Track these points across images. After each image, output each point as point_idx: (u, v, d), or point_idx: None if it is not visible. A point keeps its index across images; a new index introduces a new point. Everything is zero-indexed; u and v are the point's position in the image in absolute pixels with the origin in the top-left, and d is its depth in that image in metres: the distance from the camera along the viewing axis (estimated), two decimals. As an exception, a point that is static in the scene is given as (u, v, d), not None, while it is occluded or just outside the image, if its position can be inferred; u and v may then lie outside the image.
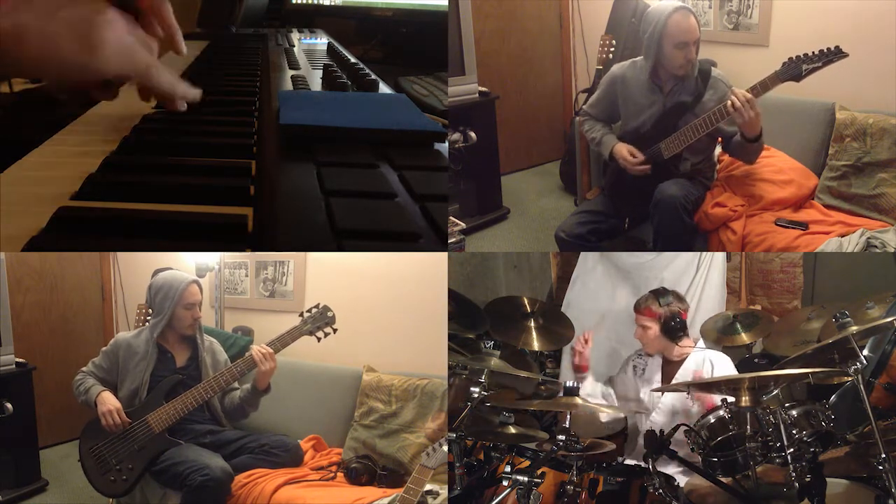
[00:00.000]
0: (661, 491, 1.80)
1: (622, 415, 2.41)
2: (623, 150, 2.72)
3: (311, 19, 3.55)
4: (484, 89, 3.72)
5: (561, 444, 1.97)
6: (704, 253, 2.81)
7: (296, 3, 3.51)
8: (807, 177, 2.79)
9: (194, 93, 1.37)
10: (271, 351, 2.54)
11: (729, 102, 2.40)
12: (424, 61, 2.82)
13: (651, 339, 2.37)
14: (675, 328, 2.31)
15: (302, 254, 3.33)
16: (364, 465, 2.57)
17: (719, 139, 2.84)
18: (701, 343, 2.45)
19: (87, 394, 2.57)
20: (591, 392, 2.43)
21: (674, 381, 2.32)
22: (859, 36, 2.73)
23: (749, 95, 2.38)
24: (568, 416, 2.02)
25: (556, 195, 4.27)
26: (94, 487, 2.51)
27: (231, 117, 1.38)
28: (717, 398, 2.08)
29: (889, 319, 1.89)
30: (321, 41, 2.78)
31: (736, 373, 2.34)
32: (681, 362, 2.36)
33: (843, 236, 2.44)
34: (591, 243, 2.87)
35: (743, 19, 3.30)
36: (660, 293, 2.35)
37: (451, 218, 2.62)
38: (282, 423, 2.87)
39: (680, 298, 2.38)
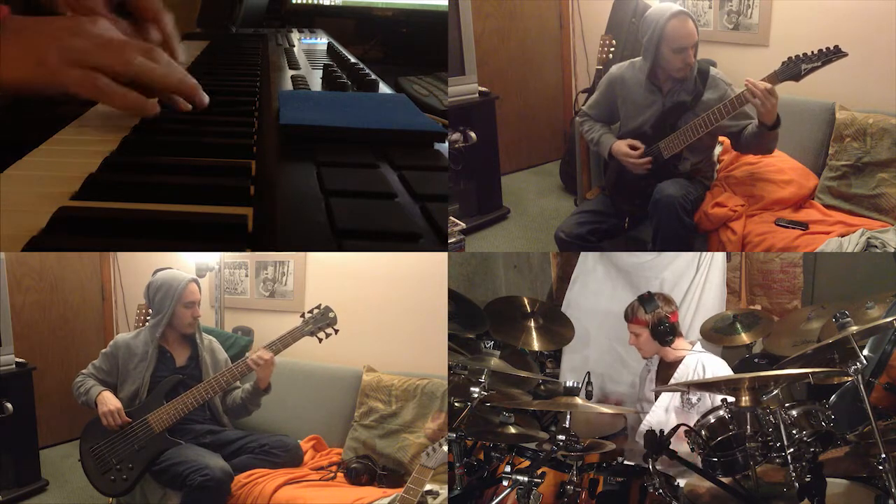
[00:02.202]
0: (661, 491, 1.80)
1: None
2: (622, 145, 2.71)
3: (311, 19, 3.55)
4: (484, 89, 3.72)
5: (561, 444, 1.97)
6: (704, 253, 2.81)
7: (296, 3, 3.51)
8: (807, 177, 2.79)
9: (152, 105, 1.31)
10: (268, 357, 2.53)
11: (747, 91, 2.37)
12: (424, 61, 2.82)
13: (644, 345, 2.39)
14: (663, 332, 2.33)
15: (302, 254, 3.33)
16: (364, 465, 2.57)
17: (720, 138, 2.84)
18: (698, 346, 2.45)
19: (88, 394, 2.58)
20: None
21: (669, 384, 2.33)
22: (859, 36, 2.73)
23: (769, 85, 2.35)
24: (568, 416, 2.02)
25: (556, 195, 4.27)
26: (94, 487, 2.51)
27: (231, 117, 1.38)
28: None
29: (889, 319, 1.89)
30: (321, 41, 2.78)
31: (732, 374, 2.34)
32: (676, 364, 2.37)
33: (843, 236, 2.44)
34: (591, 243, 2.87)
35: (743, 19, 3.30)
36: (645, 300, 2.36)
37: (451, 218, 2.62)
38: (282, 423, 2.87)
39: (668, 301, 2.38)
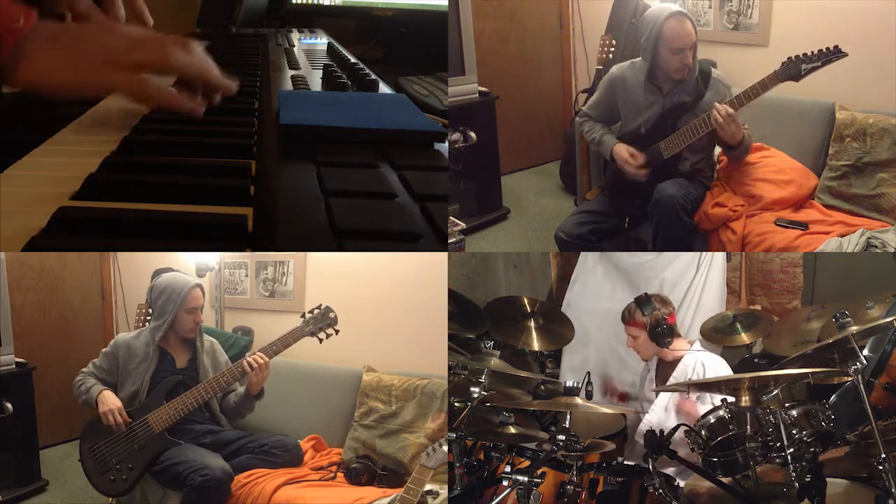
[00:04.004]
0: (661, 491, 1.80)
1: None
2: (623, 151, 2.71)
3: (311, 19, 3.55)
4: (484, 89, 3.72)
5: (561, 444, 1.97)
6: (704, 253, 2.81)
7: (296, 3, 3.50)
8: (807, 177, 2.79)
9: (200, 105, 1.32)
10: (264, 361, 2.53)
11: (712, 116, 2.44)
12: (424, 61, 2.81)
13: (642, 347, 2.40)
14: (661, 333, 2.33)
15: (302, 254, 3.33)
16: (364, 465, 2.57)
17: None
18: (697, 345, 2.45)
19: (88, 393, 2.58)
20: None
21: (668, 383, 2.33)
22: (859, 36, 2.73)
23: (731, 111, 2.41)
24: (568, 416, 2.02)
25: (556, 195, 4.26)
26: (94, 487, 2.51)
27: (231, 117, 1.38)
28: (700, 408, 2.13)
29: (889, 319, 1.89)
30: (321, 41, 2.78)
31: (731, 373, 2.34)
32: (675, 363, 2.37)
33: (843, 236, 2.44)
34: (591, 243, 2.87)
35: (743, 19, 3.30)
36: (642, 303, 2.36)
37: (451, 218, 2.62)
38: (282, 423, 2.87)
39: (664, 302, 2.38)
